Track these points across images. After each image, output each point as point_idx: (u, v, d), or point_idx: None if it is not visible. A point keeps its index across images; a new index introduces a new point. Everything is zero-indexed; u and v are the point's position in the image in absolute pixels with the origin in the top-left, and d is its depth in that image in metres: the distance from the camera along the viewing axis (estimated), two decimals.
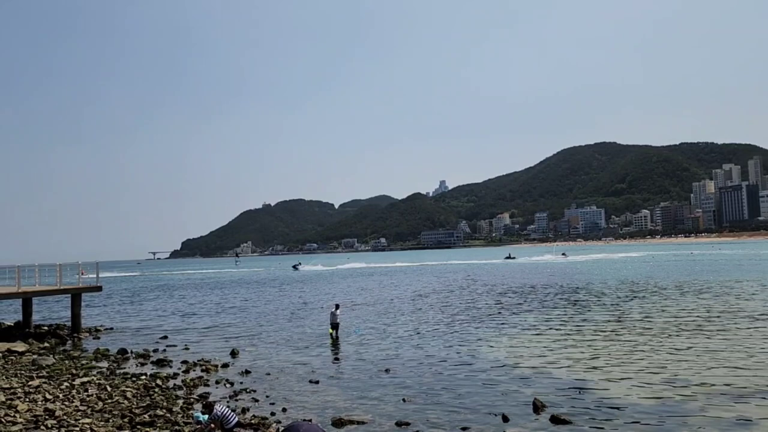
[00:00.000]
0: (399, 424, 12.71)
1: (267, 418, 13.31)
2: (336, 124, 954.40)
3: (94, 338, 28.24)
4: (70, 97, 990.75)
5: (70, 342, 27.07)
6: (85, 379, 17.11)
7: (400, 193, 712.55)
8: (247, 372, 18.77)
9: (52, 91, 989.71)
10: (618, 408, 13.24)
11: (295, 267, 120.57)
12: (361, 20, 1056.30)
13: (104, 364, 20.74)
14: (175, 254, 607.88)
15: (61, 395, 15.03)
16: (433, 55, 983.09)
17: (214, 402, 11.47)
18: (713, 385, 14.84)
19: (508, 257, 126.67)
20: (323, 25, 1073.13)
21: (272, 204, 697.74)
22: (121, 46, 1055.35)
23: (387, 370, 18.24)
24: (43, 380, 16.99)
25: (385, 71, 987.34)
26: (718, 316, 26.59)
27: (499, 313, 31.68)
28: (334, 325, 25.27)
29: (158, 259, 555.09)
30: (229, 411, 11.42)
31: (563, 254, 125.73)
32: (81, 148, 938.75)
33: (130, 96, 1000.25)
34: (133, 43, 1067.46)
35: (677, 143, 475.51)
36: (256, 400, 15.09)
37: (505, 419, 12.69)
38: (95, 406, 14.02)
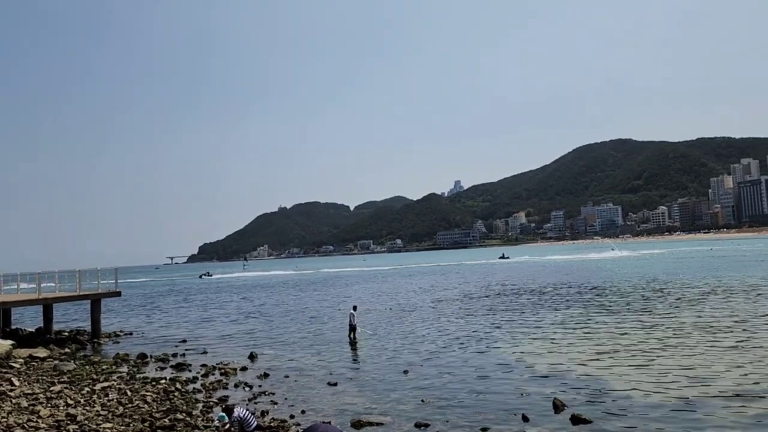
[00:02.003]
0: (418, 425, 12.65)
1: (286, 421, 13.32)
2: (350, 127, 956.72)
3: (114, 343, 28.51)
4: (95, 105, 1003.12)
5: (90, 347, 27.37)
6: (105, 384, 17.25)
7: (415, 194, 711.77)
8: (266, 375, 18.81)
9: (75, 99, 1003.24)
10: (638, 408, 13.06)
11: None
12: (375, 24, 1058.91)
13: (124, 368, 20.92)
14: (192, 258, 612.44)
15: (82, 400, 15.17)
16: (447, 55, 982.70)
17: (234, 405, 11.49)
18: (737, 384, 14.58)
19: (502, 257, 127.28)
20: (339, 31, 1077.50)
21: (288, 207, 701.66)
22: (143, 53, 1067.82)
23: (405, 372, 18.18)
24: (65, 385, 17.15)
25: (398, 74, 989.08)
26: (743, 315, 26.15)
27: (517, 312, 31.46)
28: (352, 327, 25.26)
29: (176, 263, 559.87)
30: (249, 414, 11.44)
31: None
32: (101, 156, 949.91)
33: (152, 103, 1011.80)
34: (155, 51, 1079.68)
35: (694, 138, 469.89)
36: (275, 403, 15.12)
37: (525, 419, 12.57)
38: (116, 410, 14.12)
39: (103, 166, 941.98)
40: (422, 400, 14.62)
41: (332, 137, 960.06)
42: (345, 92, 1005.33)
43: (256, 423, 11.44)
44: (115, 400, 15.17)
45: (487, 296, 42.29)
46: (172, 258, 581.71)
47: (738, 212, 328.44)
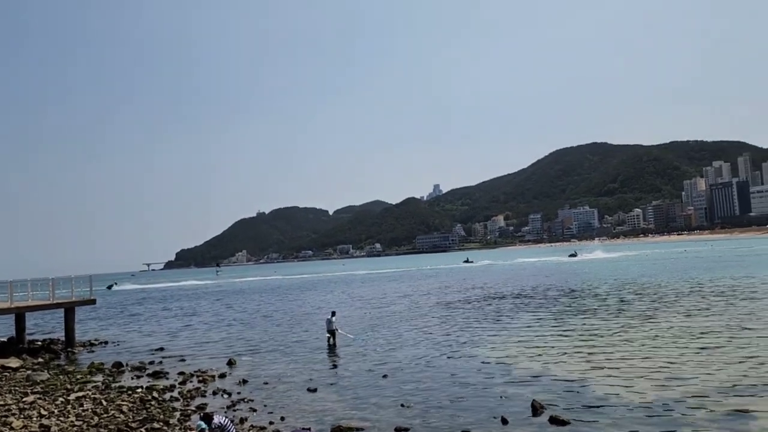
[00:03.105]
0: (398, 429, 12.65)
1: (265, 428, 13.23)
2: (329, 132, 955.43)
3: (88, 352, 28.02)
4: (74, 114, 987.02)
5: (64, 356, 26.87)
6: (80, 394, 16.96)
7: (394, 198, 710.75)
8: (245, 381, 18.66)
9: (55, 109, 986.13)
10: (617, 407, 13.23)
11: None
12: (353, 29, 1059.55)
13: (99, 378, 20.57)
14: (169, 265, 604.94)
15: (56, 411, 14.89)
16: (425, 60, 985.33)
17: (213, 412, 11.36)
18: (712, 384, 14.84)
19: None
20: (317, 37, 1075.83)
21: (266, 212, 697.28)
22: (125, 61, 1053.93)
23: (385, 376, 18.17)
24: (38, 396, 16.82)
25: (376, 78, 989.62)
26: (717, 316, 26.66)
27: (495, 315, 31.67)
28: (331, 332, 25.19)
29: (152, 270, 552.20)
30: (229, 421, 11.33)
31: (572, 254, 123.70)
32: (77, 164, 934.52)
33: (129, 112, 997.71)
34: (137, 59, 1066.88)
35: (667, 142, 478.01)
36: (254, 410, 14.99)
37: (504, 421, 12.65)
38: (91, 420, 13.89)
39: (79, 173, 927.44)
40: (402, 405, 14.62)
41: (311, 142, 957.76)
42: (323, 98, 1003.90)
43: (235, 431, 11.34)
44: (90, 410, 14.92)
45: (465, 300, 42.48)
46: (148, 265, 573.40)
47: (710, 214, 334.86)
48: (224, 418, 11.37)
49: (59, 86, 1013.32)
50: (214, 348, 26.88)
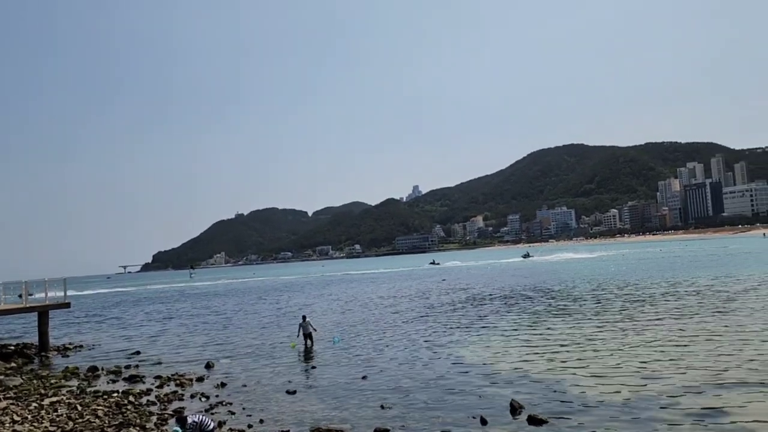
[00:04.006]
0: (378, 430, 12.65)
1: (244, 430, 13.15)
2: (308, 133, 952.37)
3: (63, 356, 27.54)
4: (48, 114, 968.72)
5: (38, 361, 26.36)
6: (54, 399, 16.67)
7: (373, 199, 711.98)
8: (223, 384, 18.50)
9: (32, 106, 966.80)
10: (594, 406, 13.40)
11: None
12: (333, 30, 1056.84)
13: (74, 382, 20.23)
14: (146, 267, 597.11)
15: (29, 416, 14.61)
16: (404, 62, 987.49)
17: (187, 413, 11.28)
18: (686, 380, 15.12)
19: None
20: (295, 38, 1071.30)
21: (245, 214, 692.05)
22: (103, 61, 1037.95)
23: (364, 377, 18.16)
24: (11, 401, 16.48)
25: (355, 79, 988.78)
26: (692, 314, 27.13)
27: (474, 316, 31.84)
28: (307, 335, 24.93)
29: (129, 272, 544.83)
30: (204, 416, 11.28)
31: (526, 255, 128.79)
32: (52, 164, 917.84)
33: (107, 114, 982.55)
34: (115, 59, 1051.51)
35: (643, 143, 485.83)
36: (233, 413, 14.88)
37: (484, 422, 12.73)
38: (65, 426, 13.66)
39: (55, 173, 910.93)
40: (381, 406, 14.63)
41: (290, 144, 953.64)
42: (302, 99, 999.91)
43: (213, 424, 11.31)
44: (65, 416, 14.67)
45: (443, 301, 42.64)
46: (125, 267, 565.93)
47: (684, 214, 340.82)
48: (199, 415, 11.29)
49: (34, 85, 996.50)
50: (192, 351, 26.60)
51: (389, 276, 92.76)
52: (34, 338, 31.64)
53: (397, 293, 53.67)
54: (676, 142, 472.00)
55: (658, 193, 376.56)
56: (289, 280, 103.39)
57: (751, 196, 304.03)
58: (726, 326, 22.57)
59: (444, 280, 68.39)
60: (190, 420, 10.93)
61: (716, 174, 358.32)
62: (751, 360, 16.73)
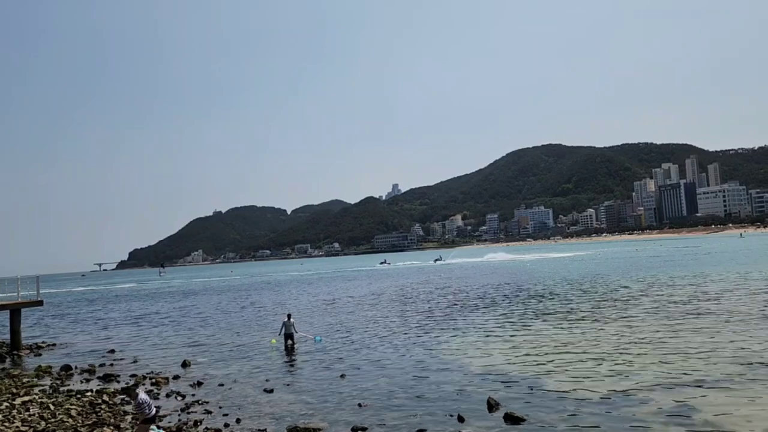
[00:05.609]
0: (355, 429, 12.64)
1: (221, 430, 13.03)
2: (287, 131, 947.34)
3: (35, 355, 27.03)
4: (26, 110, 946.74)
5: (9, 360, 25.84)
6: (26, 398, 16.36)
7: (353, 198, 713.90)
8: (200, 383, 18.32)
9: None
10: (570, 403, 13.53)
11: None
12: (316, 30, 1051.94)
13: (47, 381, 19.89)
14: (122, 265, 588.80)
15: (0, 416, 14.32)
16: (385, 61, 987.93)
17: (139, 391, 11.56)
18: (660, 376, 15.36)
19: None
20: (276, 38, 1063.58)
21: (223, 211, 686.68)
22: (80, 60, 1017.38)
23: (343, 376, 18.14)
24: None
25: (336, 78, 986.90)
26: (667, 311, 27.56)
27: (452, 314, 31.99)
28: (289, 335, 24.49)
29: (104, 270, 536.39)
30: (148, 399, 11.50)
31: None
32: (27, 161, 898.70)
33: (86, 110, 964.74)
34: (93, 57, 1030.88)
35: (619, 144, 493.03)
36: (209, 412, 14.74)
37: (461, 419, 12.79)
38: (37, 426, 13.42)
39: (31, 171, 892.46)
40: (359, 404, 14.62)
41: (269, 141, 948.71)
42: (282, 97, 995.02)
43: (155, 411, 11.72)
44: (37, 415, 14.41)
45: (420, 299, 42.78)
46: (100, 265, 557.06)
47: (659, 214, 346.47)
48: (146, 396, 11.57)
49: (11, 83, 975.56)
50: (168, 350, 26.32)
51: (379, 274, 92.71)
52: (5, 337, 31.05)
53: (377, 291, 53.68)
54: (652, 143, 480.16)
55: (633, 193, 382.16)
56: (274, 278, 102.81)
57: (724, 196, 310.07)
58: (699, 324, 22.97)
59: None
60: (141, 396, 11.18)
61: (690, 175, 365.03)
62: (722, 357, 17.06)
